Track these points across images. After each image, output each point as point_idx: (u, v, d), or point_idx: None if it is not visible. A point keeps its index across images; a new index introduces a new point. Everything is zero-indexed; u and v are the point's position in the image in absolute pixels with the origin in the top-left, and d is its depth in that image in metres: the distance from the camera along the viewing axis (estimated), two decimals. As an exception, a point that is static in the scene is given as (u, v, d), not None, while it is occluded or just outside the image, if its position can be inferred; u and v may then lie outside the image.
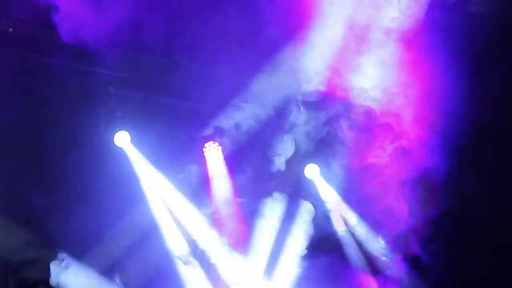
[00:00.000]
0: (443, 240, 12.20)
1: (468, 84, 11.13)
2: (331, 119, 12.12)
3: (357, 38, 11.19)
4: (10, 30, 10.91)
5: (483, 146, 11.58)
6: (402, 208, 12.14)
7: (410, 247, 12.37)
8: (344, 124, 12.03)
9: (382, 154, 11.99)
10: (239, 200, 12.22)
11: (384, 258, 12.55)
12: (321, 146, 12.36)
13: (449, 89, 11.28)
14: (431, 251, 12.29)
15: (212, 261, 12.16)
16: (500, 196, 11.82)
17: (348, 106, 11.91)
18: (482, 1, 10.99)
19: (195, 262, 12.04)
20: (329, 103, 11.90)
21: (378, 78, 11.49)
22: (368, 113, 11.85)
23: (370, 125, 11.92)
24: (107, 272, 11.48)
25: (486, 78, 11.23)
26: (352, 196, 12.50)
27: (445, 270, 12.20)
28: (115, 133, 11.65)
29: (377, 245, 12.54)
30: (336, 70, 11.43)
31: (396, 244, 12.43)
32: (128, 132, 11.68)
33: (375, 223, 12.53)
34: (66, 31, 10.60)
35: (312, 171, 12.69)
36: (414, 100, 11.52)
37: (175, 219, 12.04)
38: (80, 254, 11.31)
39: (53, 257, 11.14)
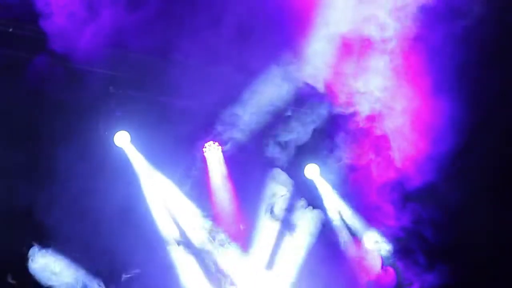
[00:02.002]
0: (422, 245, 12.37)
1: (458, 91, 11.27)
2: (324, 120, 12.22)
3: (350, 45, 11.27)
4: (10, 30, 10.88)
5: (469, 155, 11.71)
6: (388, 208, 12.30)
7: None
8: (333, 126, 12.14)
9: (363, 156, 12.05)
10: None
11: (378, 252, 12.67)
12: (316, 146, 12.46)
13: (438, 96, 11.42)
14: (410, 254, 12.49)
15: (212, 257, 12.19)
16: (482, 205, 11.99)
17: (335, 108, 11.99)
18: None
19: (195, 259, 12.06)
20: (322, 104, 11.98)
21: (364, 84, 11.59)
22: (352, 116, 11.93)
23: (353, 128, 12.01)
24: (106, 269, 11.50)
25: (476, 85, 11.33)
26: (341, 191, 12.69)
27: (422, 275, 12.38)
28: (115, 133, 11.65)
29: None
30: (332, 73, 11.52)
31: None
32: (128, 132, 11.67)
33: (364, 218, 12.72)
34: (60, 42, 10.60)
35: (312, 171, 12.75)
36: (400, 107, 11.63)
37: (175, 218, 12.05)
38: (78, 249, 11.29)
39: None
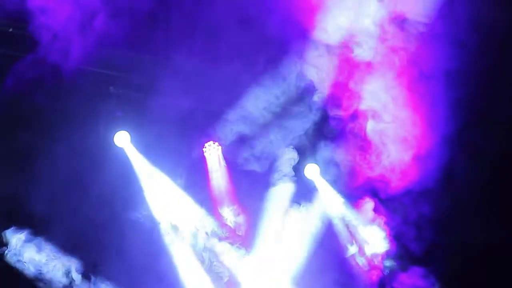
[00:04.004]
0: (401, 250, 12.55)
1: (449, 102, 11.39)
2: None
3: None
4: (10, 30, 10.89)
5: (456, 165, 11.81)
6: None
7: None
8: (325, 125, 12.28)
9: (349, 155, 12.20)
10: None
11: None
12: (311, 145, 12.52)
13: (429, 107, 11.54)
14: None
15: (214, 258, 12.20)
16: (467, 215, 12.09)
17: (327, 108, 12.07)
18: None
19: (196, 260, 12.07)
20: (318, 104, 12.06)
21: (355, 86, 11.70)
22: (341, 116, 12.01)
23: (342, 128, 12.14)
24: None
25: (466, 96, 11.44)
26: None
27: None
28: (115, 133, 11.65)
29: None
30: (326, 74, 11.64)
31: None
32: (128, 132, 11.67)
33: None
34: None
35: (312, 171, 12.76)
36: (390, 113, 11.72)
37: (175, 219, 12.05)
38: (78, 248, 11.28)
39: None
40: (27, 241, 10.89)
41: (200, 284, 12.03)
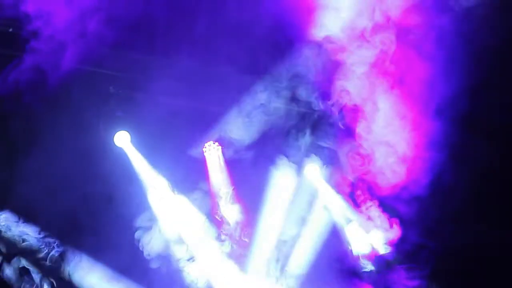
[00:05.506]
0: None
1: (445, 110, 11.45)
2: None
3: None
4: (10, 30, 10.91)
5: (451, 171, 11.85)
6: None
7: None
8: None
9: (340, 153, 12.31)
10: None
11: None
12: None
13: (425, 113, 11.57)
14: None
15: (213, 259, 12.21)
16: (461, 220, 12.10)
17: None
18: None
19: (195, 261, 12.09)
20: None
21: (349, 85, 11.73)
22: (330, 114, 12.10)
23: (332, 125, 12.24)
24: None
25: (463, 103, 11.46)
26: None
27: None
28: (115, 133, 11.66)
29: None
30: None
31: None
32: (128, 132, 11.69)
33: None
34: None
35: (311, 171, 12.76)
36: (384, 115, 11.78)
37: (175, 219, 12.06)
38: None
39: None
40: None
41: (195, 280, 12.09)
